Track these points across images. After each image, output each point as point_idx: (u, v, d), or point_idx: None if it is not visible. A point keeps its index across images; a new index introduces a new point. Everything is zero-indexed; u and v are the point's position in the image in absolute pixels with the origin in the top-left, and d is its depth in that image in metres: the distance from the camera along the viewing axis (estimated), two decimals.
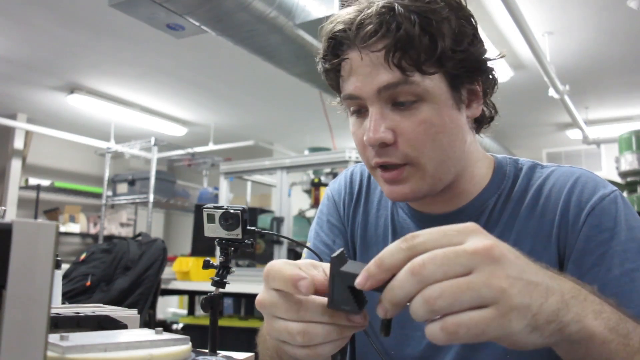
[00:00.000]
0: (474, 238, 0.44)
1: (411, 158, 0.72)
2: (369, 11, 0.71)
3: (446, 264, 0.42)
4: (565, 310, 0.46)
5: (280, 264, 0.51)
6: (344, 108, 0.83)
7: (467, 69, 0.73)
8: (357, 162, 2.94)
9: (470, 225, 0.45)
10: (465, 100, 0.75)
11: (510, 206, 0.78)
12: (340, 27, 0.73)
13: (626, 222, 0.71)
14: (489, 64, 0.75)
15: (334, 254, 0.47)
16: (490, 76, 0.77)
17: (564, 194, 0.75)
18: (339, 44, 0.74)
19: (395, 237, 0.86)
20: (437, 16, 0.69)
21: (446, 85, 0.72)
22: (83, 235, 6.06)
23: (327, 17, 0.78)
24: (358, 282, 0.44)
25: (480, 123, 0.81)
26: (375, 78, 0.70)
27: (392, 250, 0.44)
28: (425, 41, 0.68)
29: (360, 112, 0.76)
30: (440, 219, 0.80)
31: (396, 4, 0.69)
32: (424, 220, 0.83)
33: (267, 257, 3.62)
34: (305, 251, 0.92)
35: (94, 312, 0.66)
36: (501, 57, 0.78)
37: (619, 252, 0.68)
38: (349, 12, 0.74)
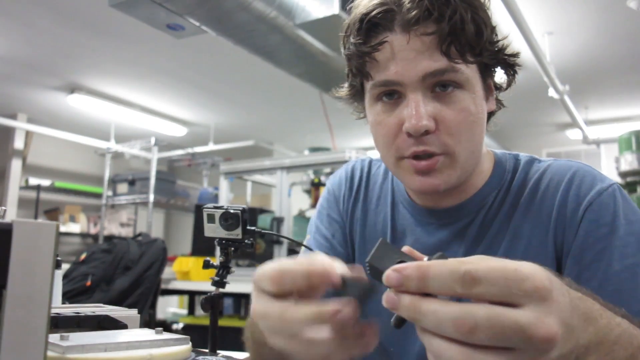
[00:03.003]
0: (539, 307, 0.38)
1: (449, 147, 0.70)
2: None
3: (497, 340, 0.37)
4: None
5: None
6: (349, 97, 0.80)
7: (498, 60, 0.74)
8: None
9: (540, 286, 0.38)
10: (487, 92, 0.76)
11: (509, 201, 0.78)
12: (380, 7, 0.69)
13: (625, 217, 0.70)
14: (514, 58, 0.76)
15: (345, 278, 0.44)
16: (514, 70, 0.77)
17: (561, 188, 0.74)
18: (374, 26, 0.70)
19: (394, 234, 0.85)
20: (480, 5, 0.70)
21: (479, 75, 0.73)
22: (83, 235, 6.06)
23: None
24: (387, 281, 0.40)
25: (489, 117, 0.80)
26: (420, 63, 0.68)
27: (442, 277, 0.38)
28: (473, 29, 0.68)
29: (392, 98, 0.72)
30: (441, 213, 0.80)
31: None
32: (423, 216, 0.82)
33: (267, 257, 3.62)
34: (302, 249, 0.91)
35: (94, 312, 0.66)
36: (517, 52, 0.78)
37: (618, 247, 0.68)
38: None
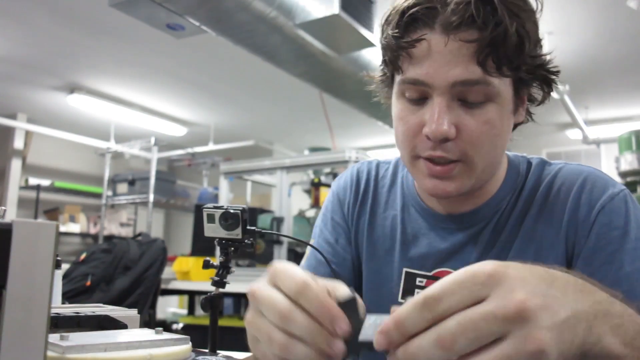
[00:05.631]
0: (499, 290, 0.39)
1: (467, 156, 0.69)
2: None
3: (478, 337, 0.38)
4: (589, 336, 0.42)
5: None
6: (380, 82, 0.78)
7: (536, 75, 0.72)
8: (356, 162, 2.93)
9: (492, 272, 0.39)
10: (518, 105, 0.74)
11: (521, 204, 0.78)
12: (424, 3, 0.66)
13: (636, 221, 0.71)
14: (553, 75, 0.74)
15: (342, 300, 0.44)
16: (551, 86, 0.75)
17: (573, 192, 0.75)
18: (414, 20, 0.67)
19: (404, 237, 0.84)
20: (528, 17, 0.67)
21: (512, 89, 0.70)
22: (83, 235, 6.06)
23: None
24: (378, 346, 0.41)
25: (515, 127, 0.79)
26: (453, 69, 0.65)
27: (412, 314, 0.40)
28: (515, 42, 0.65)
29: (418, 97, 0.70)
30: (456, 218, 0.80)
31: None
32: (438, 220, 0.82)
33: (267, 257, 3.62)
34: (308, 249, 0.91)
35: (94, 312, 0.66)
36: (558, 69, 0.75)
37: (629, 250, 0.69)
38: None
